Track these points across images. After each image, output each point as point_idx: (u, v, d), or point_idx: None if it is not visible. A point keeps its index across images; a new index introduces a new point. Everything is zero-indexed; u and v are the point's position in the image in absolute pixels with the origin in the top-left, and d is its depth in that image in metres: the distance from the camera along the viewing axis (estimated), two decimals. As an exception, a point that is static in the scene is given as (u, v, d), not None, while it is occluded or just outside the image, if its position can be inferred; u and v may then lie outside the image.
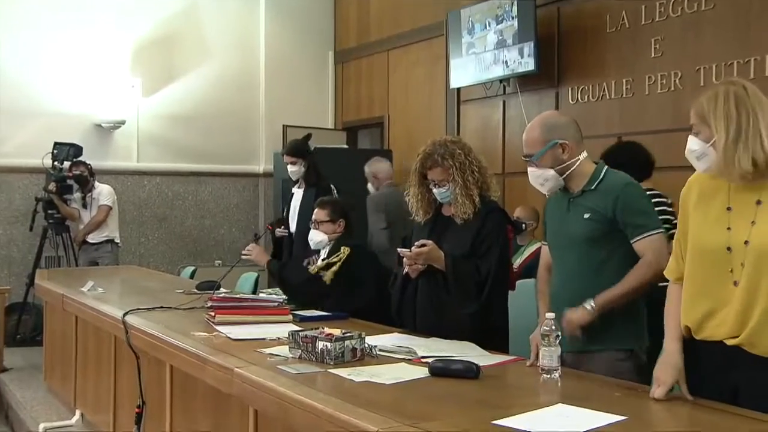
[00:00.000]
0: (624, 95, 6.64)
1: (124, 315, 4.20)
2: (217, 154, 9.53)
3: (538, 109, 7.34)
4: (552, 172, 3.22)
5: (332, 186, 6.28)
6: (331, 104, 10.44)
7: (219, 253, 9.55)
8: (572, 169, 3.22)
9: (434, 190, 3.77)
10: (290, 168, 6.24)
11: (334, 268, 4.50)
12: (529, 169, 3.27)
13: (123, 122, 9.00)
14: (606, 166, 3.27)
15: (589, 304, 3.08)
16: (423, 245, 3.64)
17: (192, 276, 7.11)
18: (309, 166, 6.21)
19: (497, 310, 3.68)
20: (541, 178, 3.25)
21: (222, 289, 4.74)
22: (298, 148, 6.28)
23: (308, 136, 8.97)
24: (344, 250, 4.55)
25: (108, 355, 4.71)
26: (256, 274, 6.46)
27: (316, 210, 4.86)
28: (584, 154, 3.25)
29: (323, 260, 4.62)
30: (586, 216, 3.16)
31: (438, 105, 8.71)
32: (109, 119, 8.94)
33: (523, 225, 6.42)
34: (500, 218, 3.77)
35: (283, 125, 9.84)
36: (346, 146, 9.52)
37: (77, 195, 8.03)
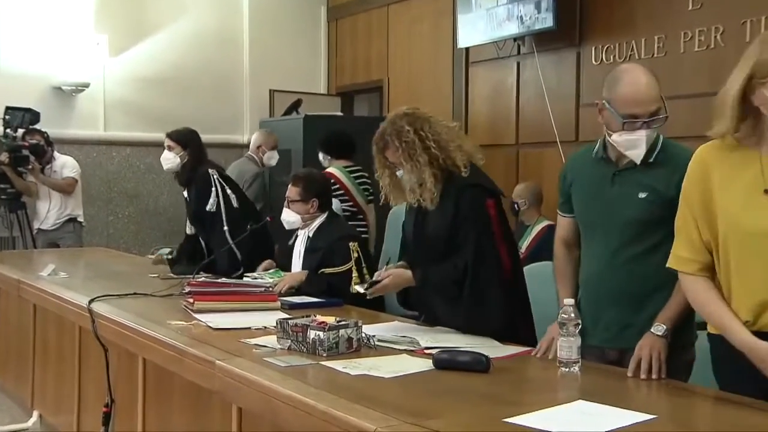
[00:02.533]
0: (655, 54, 6.62)
1: (90, 302, 4.22)
2: (195, 123, 9.19)
3: (557, 72, 7.35)
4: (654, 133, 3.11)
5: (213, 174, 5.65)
6: (324, 66, 10.43)
7: (198, 233, 9.54)
8: None
9: (397, 173, 3.72)
10: (165, 153, 5.77)
11: (355, 274, 4.52)
12: (640, 133, 3.07)
13: (87, 85, 8.99)
14: (661, 135, 3.18)
15: (659, 329, 2.95)
16: (378, 281, 3.66)
17: (168, 259, 7.15)
18: (188, 160, 5.70)
19: (492, 301, 3.52)
20: (647, 142, 3.08)
21: (202, 273, 4.76)
22: (182, 134, 5.81)
23: (297, 103, 9.05)
24: (354, 247, 4.60)
25: (71, 348, 4.72)
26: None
27: (289, 186, 4.91)
28: None
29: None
30: (642, 195, 3.08)
31: (444, 67, 8.71)
32: (70, 81, 8.93)
33: (516, 205, 6.48)
34: (475, 195, 3.60)
35: (270, 90, 9.85)
36: (340, 113, 9.53)
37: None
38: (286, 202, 4.88)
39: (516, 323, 3.56)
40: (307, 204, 4.82)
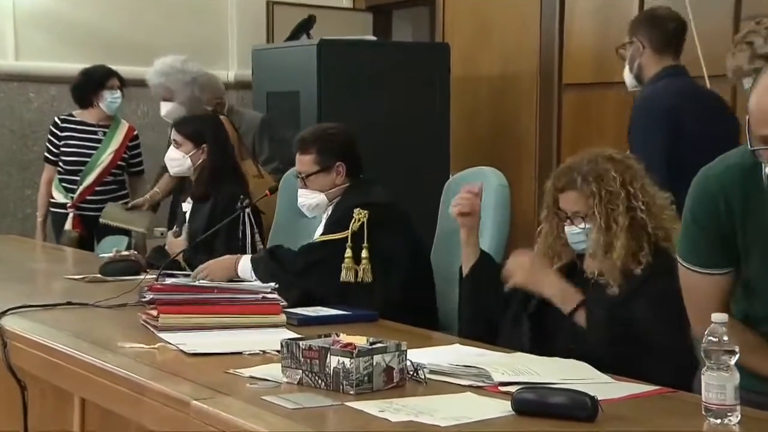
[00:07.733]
0: None
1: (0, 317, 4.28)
2: (157, 51, 9.49)
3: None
4: None
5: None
6: (348, -33, 10.48)
7: (162, 215, 9.44)
8: None
9: (566, 228, 3.98)
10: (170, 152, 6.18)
11: (349, 253, 4.58)
12: None
13: (-15, -10, 9.03)
14: None
15: None
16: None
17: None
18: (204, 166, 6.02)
19: None
20: None
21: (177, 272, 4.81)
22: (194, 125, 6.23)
23: (308, 22, 9.05)
24: (359, 215, 4.61)
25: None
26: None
27: (297, 156, 4.95)
28: None
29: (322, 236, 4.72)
30: None
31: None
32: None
33: None
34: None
35: (268, 2, 9.85)
36: (372, 38, 9.54)
37: None
38: (299, 180, 4.92)
39: None
40: (330, 173, 4.84)
